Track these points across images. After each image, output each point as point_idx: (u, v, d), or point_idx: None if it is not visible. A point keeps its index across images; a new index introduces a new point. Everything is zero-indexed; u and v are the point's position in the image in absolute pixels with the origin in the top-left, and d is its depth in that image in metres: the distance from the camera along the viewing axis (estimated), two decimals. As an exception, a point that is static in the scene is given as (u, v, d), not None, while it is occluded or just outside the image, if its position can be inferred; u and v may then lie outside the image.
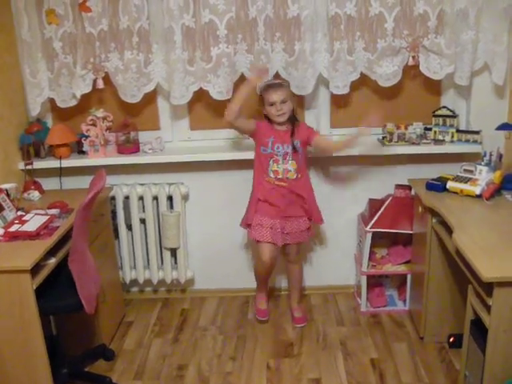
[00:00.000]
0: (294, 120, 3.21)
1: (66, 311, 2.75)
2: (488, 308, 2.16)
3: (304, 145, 3.23)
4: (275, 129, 3.18)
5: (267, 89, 3.13)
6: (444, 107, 3.41)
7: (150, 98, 3.51)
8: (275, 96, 3.09)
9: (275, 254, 3.26)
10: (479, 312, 2.27)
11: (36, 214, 2.88)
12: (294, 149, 3.17)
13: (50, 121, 3.64)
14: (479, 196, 2.87)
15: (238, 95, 3.10)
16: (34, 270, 2.44)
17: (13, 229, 2.69)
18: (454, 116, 3.37)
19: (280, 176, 3.18)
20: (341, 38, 3.23)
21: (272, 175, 3.18)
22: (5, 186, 3.01)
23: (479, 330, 2.30)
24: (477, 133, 3.33)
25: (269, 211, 3.21)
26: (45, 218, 2.80)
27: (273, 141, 3.16)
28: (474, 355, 2.38)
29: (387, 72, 3.29)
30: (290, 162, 3.17)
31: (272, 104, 3.10)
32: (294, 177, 3.19)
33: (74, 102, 3.42)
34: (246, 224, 3.31)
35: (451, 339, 3.12)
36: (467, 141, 3.37)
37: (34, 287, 2.43)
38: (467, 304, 2.41)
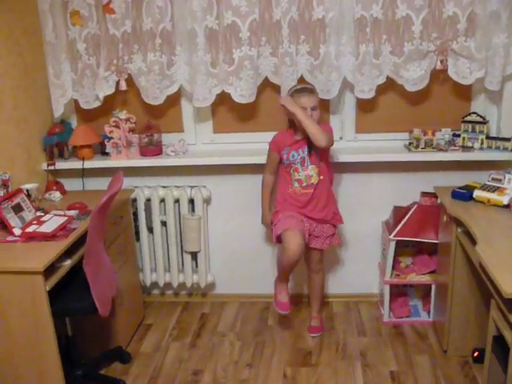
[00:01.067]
0: None
1: (80, 313, 2.75)
2: (510, 325, 2.07)
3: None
4: (293, 138, 3.11)
5: (299, 92, 3.02)
6: (474, 113, 3.30)
7: (173, 100, 3.50)
8: (307, 101, 2.98)
9: (303, 242, 3.03)
10: (501, 328, 2.18)
11: (55, 215, 2.89)
12: (310, 152, 3.07)
13: (74, 122, 3.66)
14: (507, 206, 2.77)
15: (262, 201, 3.29)
16: (49, 271, 2.43)
17: (30, 229, 2.69)
18: (484, 122, 3.26)
19: (304, 184, 3.11)
20: (367, 41, 3.16)
21: (297, 184, 3.12)
22: (26, 186, 3.03)
23: (501, 347, 2.21)
24: (508, 140, 3.22)
25: (295, 211, 3.14)
26: (63, 220, 2.80)
27: (287, 151, 3.10)
28: (495, 373, 2.28)
29: (414, 76, 3.20)
30: (309, 166, 3.09)
31: (302, 109, 2.97)
32: (317, 180, 3.11)
33: (97, 104, 3.44)
34: (276, 235, 3.13)
35: (475, 354, 3.01)
36: (497, 148, 3.25)
37: (48, 289, 2.42)
38: (489, 319, 2.32)
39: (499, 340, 2.24)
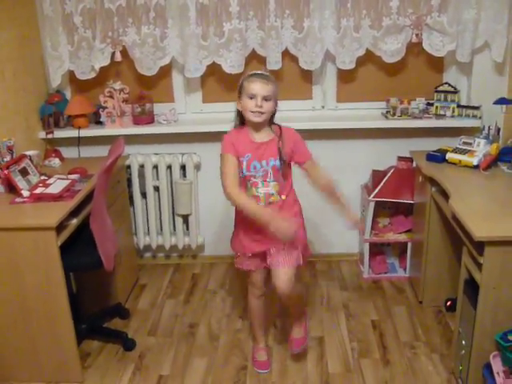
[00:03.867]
0: (272, 124, 2.60)
1: (87, 268, 2.95)
2: (480, 266, 2.33)
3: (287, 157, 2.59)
4: (251, 140, 2.55)
5: (252, 76, 2.50)
6: (446, 83, 3.55)
7: (164, 72, 3.68)
8: (259, 88, 2.45)
9: (262, 289, 2.81)
10: (472, 271, 2.44)
11: (58, 178, 3.05)
12: (275, 166, 2.54)
13: (68, 93, 3.81)
14: (476, 167, 3.03)
15: (251, 209, 2.51)
16: (58, 229, 2.60)
17: (37, 191, 2.86)
18: (455, 92, 3.52)
19: (262, 203, 2.57)
20: (348, 16, 3.39)
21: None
22: (28, 152, 3.18)
23: (472, 289, 2.47)
24: (477, 108, 3.48)
25: (253, 242, 2.65)
26: (66, 182, 2.97)
27: (248, 159, 2.52)
28: (466, 312, 2.55)
29: (391, 49, 3.44)
30: (271, 183, 2.57)
31: (252, 97, 2.45)
32: (278, 199, 2.59)
33: (93, 74, 3.60)
34: (241, 252, 2.76)
35: (448, 303, 3.30)
36: (467, 116, 3.52)
37: (59, 244, 2.61)
38: (462, 264, 2.58)
39: (470, 283, 2.51)
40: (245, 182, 2.58)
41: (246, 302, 3.42)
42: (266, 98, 2.46)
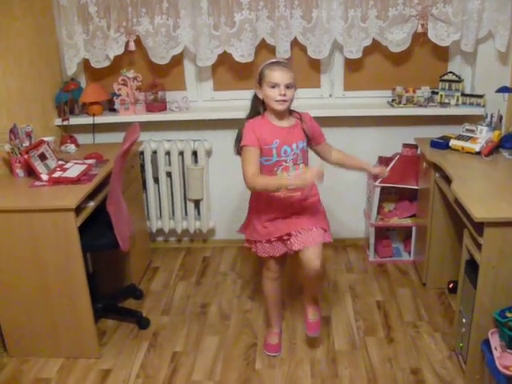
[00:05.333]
0: (291, 111, 2.65)
1: (104, 248, 3.07)
2: (480, 247, 2.44)
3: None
4: (276, 126, 2.58)
5: (272, 65, 2.52)
6: (450, 72, 3.65)
7: (177, 61, 3.79)
8: (281, 76, 2.47)
9: (279, 273, 2.88)
10: (473, 252, 2.55)
11: (75, 163, 3.17)
12: (304, 149, 2.64)
13: (83, 81, 3.92)
14: (479, 153, 3.13)
15: (275, 184, 2.57)
16: (76, 211, 2.71)
17: (56, 175, 2.98)
18: (459, 81, 3.61)
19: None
20: (355, 7, 3.48)
21: None
22: (46, 138, 3.30)
23: (472, 269, 2.58)
24: (480, 96, 3.57)
25: (274, 227, 2.69)
26: (83, 167, 3.09)
27: (278, 145, 2.55)
28: (467, 292, 2.66)
29: (397, 38, 3.53)
30: (300, 165, 2.63)
31: (274, 86, 2.48)
32: None
33: (107, 63, 3.71)
34: (247, 240, 2.85)
35: (450, 285, 3.41)
36: (471, 104, 3.61)
37: (78, 225, 2.73)
38: (463, 246, 2.69)
39: (471, 263, 2.62)
40: (272, 169, 2.59)
41: (256, 284, 3.59)
42: (288, 86, 2.49)
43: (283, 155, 2.58)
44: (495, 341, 2.43)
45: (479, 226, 2.40)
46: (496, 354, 2.38)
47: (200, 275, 3.81)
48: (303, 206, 2.69)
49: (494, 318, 2.46)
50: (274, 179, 2.58)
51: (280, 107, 2.52)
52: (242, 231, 2.91)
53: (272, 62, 2.55)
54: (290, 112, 2.64)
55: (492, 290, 2.46)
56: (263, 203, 2.70)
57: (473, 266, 2.57)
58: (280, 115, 2.59)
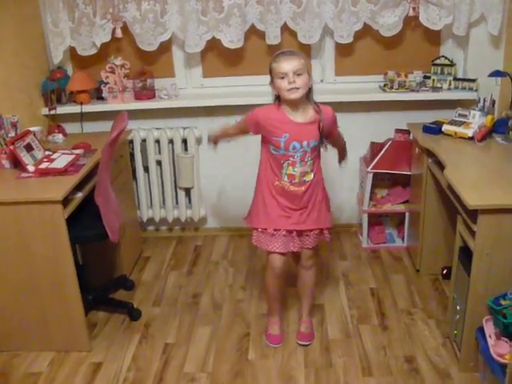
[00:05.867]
0: (311, 101, 2.56)
1: (93, 240, 3.03)
2: (473, 234, 2.41)
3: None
4: (290, 119, 2.52)
5: (278, 57, 2.49)
6: (442, 56, 3.60)
7: (165, 47, 3.72)
8: (287, 65, 2.43)
9: (283, 265, 2.82)
10: (466, 239, 2.52)
11: (63, 153, 3.11)
12: (314, 147, 2.57)
13: (70, 69, 3.85)
14: (471, 138, 3.09)
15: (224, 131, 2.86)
16: (64, 202, 2.66)
17: (43, 166, 2.92)
18: (451, 65, 3.57)
19: (296, 180, 2.60)
20: (345, -10, 3.42)
21: (286, 179, 2.60)
22: (32, 128, 3.23)
23: (466, 256, 2.55)
24: (473, 81, 3.53)
25: (282, 215, 2.67)
26: (71, 157, 3.03)
27: (286, 140, 2.51)
28: (461, 279, 2.64)
29: (389, 22, 3.48)
30: (308, 162, 2.58)
31: (283, 76, 2.44)
32: (312, 177, 2.63)
33: (94, 51, 3.64)
34: (254, 228, 2.78)
35: (444, 271, 3.39)
36: (463, 88, 3.57)
37: (65, 217, 2.68)
38: (456, 233, 2.66)
39: (464, 250, 2.59)
40: (279, 161, 2.57)
41: (248, 272, 3.59)
42: (297, 73, 2.43)
43: (291, 150, 2.54)
44: (490, 328, 2.42)
45: (473, 213, 2.37)
46: (490, 341, 2.36)
47: (192, 264, 3.77)
48: (309, 203, 2.68)
49: (488, 306, 2.44)
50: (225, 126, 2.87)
51: (292, 96, 2.46)
52: (248, 220, 2.86)
53: (277, 55, 2.51)
54: (309, 104, 2.56)
55: (486, 277, 2.44)
56: (268, 192, 2.68)
57: (466, 253, 2.55)
58: (295, 106, 2.52)
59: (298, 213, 2.67)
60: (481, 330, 2.46)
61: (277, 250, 2.72)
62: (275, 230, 2.68)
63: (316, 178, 2.66)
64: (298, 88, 2.44)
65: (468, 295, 2.51)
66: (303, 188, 2.62)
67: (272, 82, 2.53)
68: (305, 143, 2.52)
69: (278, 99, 2.56)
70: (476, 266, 2.43)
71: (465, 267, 2.58)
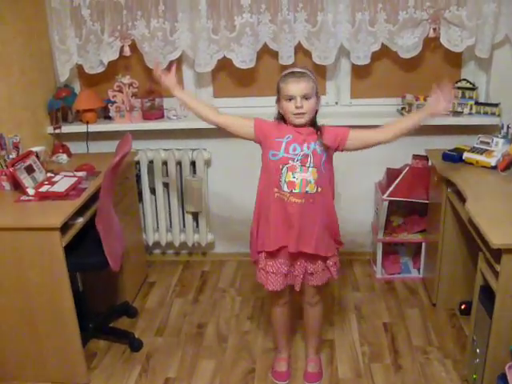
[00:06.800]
0: (315, 124, 2.44)
1: (93, 268, 2.89)
2: (496, 274, 2.24)
3: (330, 150, 2.43)
4: (293, 128, 2.40)
5: (286, 78, 2.35)
6: (464, 79, 3.45)
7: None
8: (295, 88, 2.31)
9: (287, 301, 2.74)
10: (488, 278, 2.35)
11: (65, 175, 3.00)
12: (316, 150, 2.38)
13: (77, 87, 3.76)
14: (494, 167, 2.93)
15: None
16: (63, 228, 2.55)
17: (43, 189, 2.81)
18: (473, 88, 3.42)
19: (297, 190, 2.38)
20: (363, 9, 3.29)
21: (286, 188, 2.38)
22: (35, 148, 3.12)
23: (488, 296, 2.38)
24: (495, 105, 3.37)
25: (281, 238, 2.47)
26: (73, 180, 2.92)
27: (288, 141, 2.37)
28: (481, 320, 2.47)
29: (408, 43, 3.34)
30: (310, 169, 2.38)
31: (290, 98, 2.33)
32: (315, 190, 2.40)
33: (101, 69, 3.53)
34: (253, 257, 2.68)
35: (462, 306, 3.21)
36: (486, 113, 3.42)
37: (64, 244, 2.55)
38: (477, 270, 2.49)
39: (486, 290, 2.42)
40: (278, 167, 2.38)
41: (256, 301, 3.45)
42: (305, 97, 2.32)
43: (291, 152, 2.36)
44: (513, 377, 2.24)
45: (496, 251, 2.20)
46: (514, 391, 2.19)
47: (198, 291, 3.63)
48: (309, 222, 2.44)
49: (511, 352, 2.27)
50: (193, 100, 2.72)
51: (298, 121, 2.36)
52: (252, 257, 2.70)
53: (286, 74, 2.38)
54: (313, 126, 2.43)
55: (510, 322, 2.27)
56: (264, 210, 2.51)
57: (488, 293, 2.38)
58: (300, 127, 2.40)
59: (295, 235, 2.44)
60: (503, 377, 2.29)
61: (275, 289, 2.58)
62: (274, 265, 2.53)
63: (322, 196, 2.43)
64: (304, 113, 2.34)
65: (489, 339, 2.34)
66: (304, 201, 2.39)
67: (278, 101, 2.41)
68: (305, 145, 2.36)
69: (283, 118, 2.44)
70: (499, 308, 2.26)
71: (486, 308, 2.41)
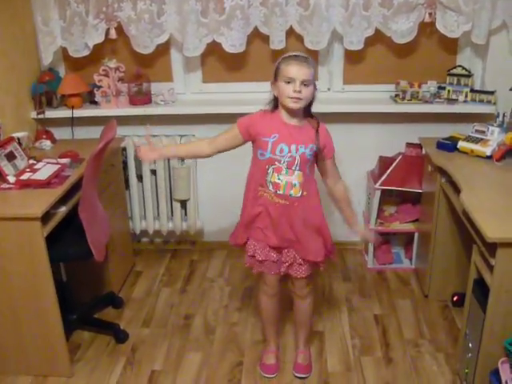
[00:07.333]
0: (309, 115, 2.39)
1: (76, 258, 2.80)
2: (491, 268, 2.18)
3: (315, 154, 2.39)
4: (282, 121, 2.34)
5: (289, 60, 2.27)
6: (459, 66, 3.37)
7: (162, 50, 3.50)
8: (297, 72, 2.23)
9: (277, 290, 2.67)
10: (482, 272, 2.29)
11: (47, 163, 2.90)
12: (304, 154, 2.32)
13: (62, 70, 3.64)
14: (489, 157, 2.86)
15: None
16: (45, 218, 2.47)
17: (24, 177, 2.71)
18: (468, 75, 3.33)
19: (281, 191, 2.35)
20: (356, -7, 3.18)
21: (271, 188, 2.36)
22: (17, 134, 3.02)
23: (481, 290, 2.32)
24: (491, 93, 3.29)
25: (265, 238, 2.46)
26: (56, 167, 2.83)
27: (274, 141, 2.30)
28: (475, 314, 2.41)
29: (402, 28, 3.25)
30: (295, 172, 2.34)
31: (289, 81, 2.24)
32: (299, 194, 2.38)
33: (86, 52, 3.42)
34: (236, 244, 2.63)
35: (455, 298, 3.16)
36: (481, 101, 3.33)
37: (45, 235, 2.47)
38: (471, 263, 2.43)
39: (480, 283, 2.36)
40: (265, 167, 2.34)
41: (245, 292, 3.39)
42: (304, 83, 2.24)
43: (278, 154, 2.31)
44: (506, 373, 2.18)
45: (491, 245, 2.14)
46: (507, 388, 2.13)
47: (185, 281, 3.55)
48: (294, 226, 2.43)
49: (505, 347, 2.21)
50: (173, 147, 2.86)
51: (293, 105, 2.27)
52: (231, 240, 2.66)
53: (290, 56, 2.30)
54: (307, 115, 2.37)
55: (504, 317, 2.21)
56: (250, 204, 2.48)
57: (482, 287, 2.32)
58: (292, 114, 2.33)
59: (279, 235, 2.44)
60: (496, 372, 2.23)
61: (267, 272, 2.56)
62: (262, 253, 2.49)
63: (307, 200, 2.40)
64: (300, 99, 2.25)
65: (483, 334, 2.28)
66: (288, 203, 2.37)
67: (274, 82, 2.32)
68: (293, 147, 2.30)
69: (275, 101, 2.36)
70: (493, 303, 2.20)
71: (480, 302, 2.34)
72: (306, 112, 2.36)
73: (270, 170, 2.34)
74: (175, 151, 2.81)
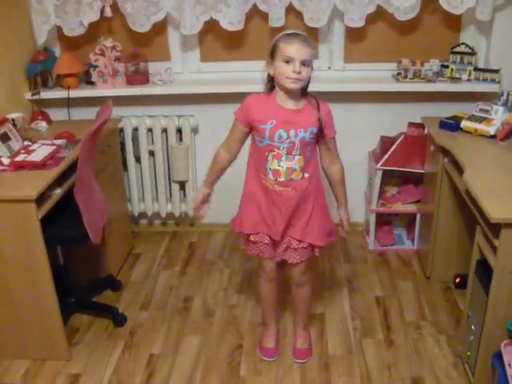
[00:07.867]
0: (306, 94, 2.30)
1: (72, 241, 2.77)
2: (494, 249, 2.14)
3: (316, 135, 2.32)
4: (278, 105, 2.25)
5: (289, 38, 2.16)
6: (463, 44, 3.29)
7: (159, 28, 3.43)
8: (297, 51, 2.13)
9: (274, 275, 2.63)
10: (485, 253, 2.25)
11: (43, 144, 2.86)
12: (304, 138, 2.25)
13: (57, 50, 3.58)
14: (493, 136, 2.80)
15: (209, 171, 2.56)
16: (40, 200, 2.43)
17: (19, 158, 2.67)
18: (472, 53, 3.27)
19: (282, 178, 2.29)
20: (358, -32, 3.11)
21: (271, 176, 2.30)
22: (11, 115, 2.98)
23: (484, 271, 2.29)
24: (495, 71, 3.22)
25: (266, 226, 2.41)
26: (51, 149, 2.78)
27: (272, 127, 2.22)
28: (477, 296, 2.37)
29: (405, 5, 3.17)
30: (296, 157, 2.28)
31: (289, 61, 2.14)
32: (300, 177, 2.32)
33: (81, 31, 3.35)
34: (240, 231, 2.53)
35: (457, 280, 3.12)
36: (485, 80, 3.27)
37: (40, 217, 2.42)
38: (474, 244, 2.38)
39: (483, 264, 2.32)
40: (264, 153, 2.28)
41: (245, 274, 3.37)
42: (304, 63, 2.15)
43: (276, 140, 2.23)
44: (509, 355, 2.15)
45: (495, 225, 2.09)
46: (510, 371, 2.10)
47: (185, 263, 3.52)
48: (296, 210, 2.37)
49: (507, 329, 2.18)
50: (205, 181, 2.58)
51: (292, 86, 2.18)
52: (232, 225, 2.60)
53: (289, 34, 2.19)
54: (304, 95, 2.29)
55: (507, 299, 2.17)
56: (251, 191, 2.42)
57: (485, 268, 2.28)
58: (289, 93, 2.24)
59: (283, 222, 2.37)
60: (498, 355, 2.20)
61: (264, 256, 2.51)
62: (257, 235, 2.44)
63: (308, 183, 2.34)
64: (300, 79, 2.16)
65: (485, 316, 2.24)
66: (290, 189, 2.31)
67: (271, 61, 2.22)
68: (292, 132, 2.22)
69: (271, 82, 2.27)
70: (496, 285, 2.16)
71: (482, 284, 2.31)
72: (303, 92, 2.28)
73: (270, 156, 2.28)
74: (212, 178, 2.59)
